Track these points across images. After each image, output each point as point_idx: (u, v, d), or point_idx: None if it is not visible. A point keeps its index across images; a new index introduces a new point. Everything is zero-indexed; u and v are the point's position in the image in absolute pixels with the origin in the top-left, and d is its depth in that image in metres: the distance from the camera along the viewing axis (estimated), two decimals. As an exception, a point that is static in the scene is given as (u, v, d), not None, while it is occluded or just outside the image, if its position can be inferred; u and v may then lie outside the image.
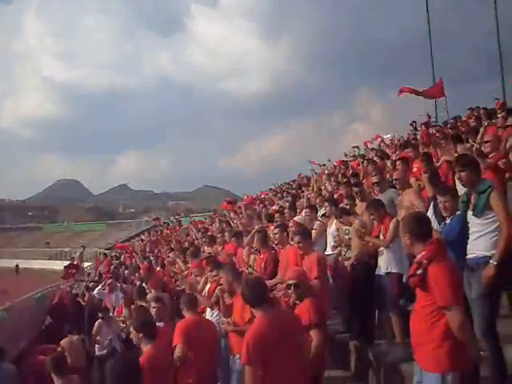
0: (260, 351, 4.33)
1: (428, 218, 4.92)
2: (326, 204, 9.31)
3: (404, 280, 6.40)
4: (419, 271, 4.10)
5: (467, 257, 5.36)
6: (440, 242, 4.39)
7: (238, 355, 6.05)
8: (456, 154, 8.44)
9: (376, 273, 7.05)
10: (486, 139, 8.24)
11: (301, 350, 4.72)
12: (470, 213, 5.40)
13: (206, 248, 13.36)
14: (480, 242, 5.25)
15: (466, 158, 6.02)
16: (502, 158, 7.63)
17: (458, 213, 5.73)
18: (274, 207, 15.88)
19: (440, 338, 4.00)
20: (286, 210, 11.21)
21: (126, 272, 17.90)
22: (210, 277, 8.38)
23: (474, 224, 5.33)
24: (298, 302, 5.73)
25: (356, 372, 7.37)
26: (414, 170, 9.38)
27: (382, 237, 6.98)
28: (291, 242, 7.96)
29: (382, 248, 6.96)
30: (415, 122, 19.89)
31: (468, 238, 5.40)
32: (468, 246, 5.38)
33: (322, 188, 14.27)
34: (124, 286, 13.60)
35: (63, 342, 10.03)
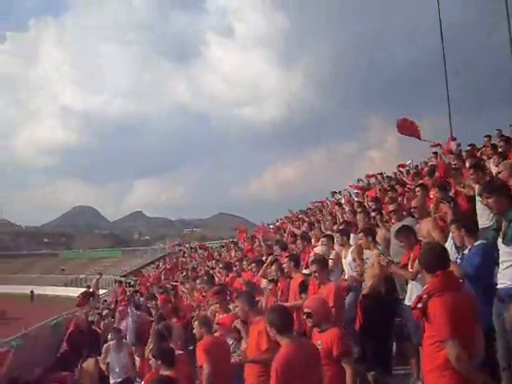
0: (288, 378, 4.38)
1: (440, 249, 4.67)
2: (338, 235, 9.19)
3: None
4: (419, 305, 4.15)
5: (497, 287, 5.24)
6: (446, 274, 4.29)
7: (253, 386, 6.00)
8: (471, 183, 8.39)
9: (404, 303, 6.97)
10: (497, 170, 8.19)
11: (322, 381, 4.81)
12: (499, 240, 5.25)
13: (219, 275, 13.40)
14: (509, 272, 5.12)
15: (492, 184, 5.87)
16: None
17: (478, 243, 5.60)
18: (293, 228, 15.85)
19: (441, 368, 4.02)
20: (298, 240, 11.16)
21: (142, 299, 17.86)
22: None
23: (504, 253, 5.19)
24: (317, 329, 5.68)
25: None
26: (431, 197, 9.28)
27: (410, 265, 6.87)
28: (305, 271, 7.94)
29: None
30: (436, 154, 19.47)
31: (494, 266, 5.31)
32: (498, 276, 5.26)
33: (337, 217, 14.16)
34: (139, 313, 13.53)
35: (84, 364, 10.19)
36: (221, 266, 14.70)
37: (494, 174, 8.99)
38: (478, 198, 7.64)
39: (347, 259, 8.52)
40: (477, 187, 7.77)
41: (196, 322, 7.37)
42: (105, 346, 10.74)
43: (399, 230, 7.27)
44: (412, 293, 6.77)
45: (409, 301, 6.75)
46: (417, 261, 6.34)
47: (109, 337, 10.85)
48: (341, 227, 10.12)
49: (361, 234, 7.98)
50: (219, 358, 6.59)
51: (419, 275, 6.56)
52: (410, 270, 6.78)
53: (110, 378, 10.19)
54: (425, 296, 4.13)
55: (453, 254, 6.15)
